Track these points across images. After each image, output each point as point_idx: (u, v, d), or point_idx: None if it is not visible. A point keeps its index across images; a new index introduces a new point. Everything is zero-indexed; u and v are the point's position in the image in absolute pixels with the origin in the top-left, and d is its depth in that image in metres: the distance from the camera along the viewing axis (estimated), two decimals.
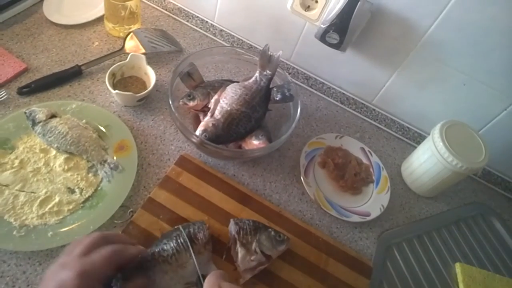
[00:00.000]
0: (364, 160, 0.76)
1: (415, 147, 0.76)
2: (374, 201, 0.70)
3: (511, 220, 0.77)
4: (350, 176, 0.72)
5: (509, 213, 0.79)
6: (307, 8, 0.72)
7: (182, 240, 0.52)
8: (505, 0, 0.57)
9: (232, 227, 0.58)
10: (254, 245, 0.56)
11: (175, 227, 0.56)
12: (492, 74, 0.66)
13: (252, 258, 0.55)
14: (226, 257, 0.57)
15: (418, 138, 0.83)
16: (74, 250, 0.44)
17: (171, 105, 0.63)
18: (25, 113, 0.63)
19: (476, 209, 0.77)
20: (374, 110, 0.84)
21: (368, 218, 0.67)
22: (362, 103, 0.84)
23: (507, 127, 0.72)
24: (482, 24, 0.61)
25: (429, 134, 0.71)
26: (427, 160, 0.69)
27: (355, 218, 0.67)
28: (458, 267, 0.66)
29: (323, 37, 0.70)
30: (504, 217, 0.77)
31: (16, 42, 0.76)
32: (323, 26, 0.68)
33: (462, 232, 0.73)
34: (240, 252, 0.55)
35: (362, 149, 0.77)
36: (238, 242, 0.56)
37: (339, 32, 0.68)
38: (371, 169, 0.75)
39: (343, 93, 0.85)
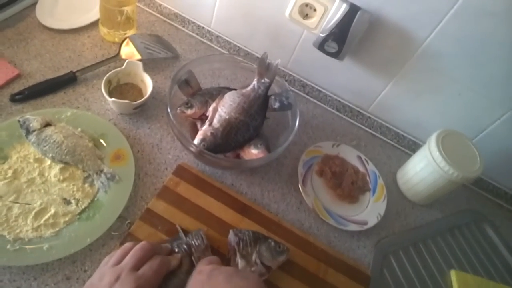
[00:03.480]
0: (361, 169, 0.77)
1: (410, 155, 0.77)
2: (371, 209, 0.71)
3: (503, 226, 0.79)
4: (347, 185, 0.73)
5: (501, 220, 0.80)
6: (306, 16, 0.73)
7: (185, 247, 0.54)
8: (502, 13, 0.58)
9: (231, 238, 0.58)
10: (254, 256, 0.56)
11: (172, 237, 0.57)
12: (487, 85, 0.68)
13: (253, 269, 0.54)
14: None
15: (413, 146, 0.84)
16: (126, 262, 0.47)
17: (170, 114, 0.62)
18: (19, 121, 0.61)
19: (469, 216, 0.78)
20: (369, 118, 0.85)
21: (365, 227, 0.68)
22: (358, 111, 0.85)
23: (500, 136, 0.73)
24: (479, 36, 0.62)
25: (424, 142, 0.72)
26: (423, 169, 0.70)
27: (353, 227, 0.67)
28: (453, 275, 0.67)
29: (321, 45, 0.70)
30: (496, 224, 0.79)
31: (8, 47, 0.74)
32: (322, 35, 0.69)
33: (456, 239, 0.74)
34: (240, 263, 0.55)
35: (359, 157, 0.78)
36: (238, 254, 0.55)
37: (338, 41, 0.68)
38: (367, 178, 0.76)
39: (339, 101, 0.85)
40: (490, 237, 0.76)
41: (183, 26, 0.90)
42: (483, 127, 0.74)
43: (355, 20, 0.65)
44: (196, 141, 0.64)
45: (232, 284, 0.44)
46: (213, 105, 0.68)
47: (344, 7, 0.65)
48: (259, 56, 0.69)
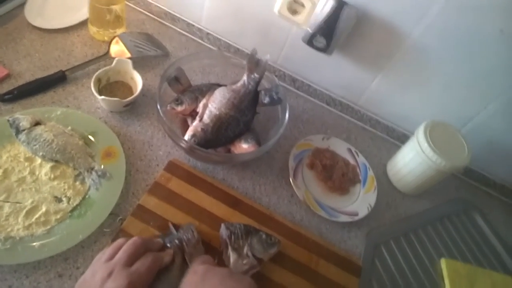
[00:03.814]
0: (351, 161, 0.78)
1: (400, 147, 0.78)
2: (361, 200, 0.72)
3: (491, 214, 0.80)
4: (338, 177, 0.73)
5: (490, 208, 0.82)
6: (294, 12, 0.73)
7: (177, 242, 0.54)
8: (487, 7, 0.59)
9: (223, 232, 0.58)
10: (245, 249, 0.56)
11: (163, 233, 0.57)
12: (473, 77, 0.69)
13: (244, 262, 0.55)
14: (217, 261, 0.57)
15: (403, 138, 0.85)
16: (118, 258, 0.47)
17: (160, 111, 0.63)
18: (8, 120, 0.61)
19: (459, 205, 0.80)
20: (359, 111, 0.85)
21: (356, 218, 0.69)
22: (348, 105, 0.86)
23: (487, 127, 0.74)
24: (465, 30, 0.63)
25: (413, 134, 0.73)
26: (412, 160, 0.71)
27: (344, 218, 0.68)
28: (443, 263, 0.69)
29: (310, 41, 0.71)
30: (485, 212, 0.80)
31: None
32: (311, 31, 0.69)
33: (446, 228, 0.75)
34: (232, 256, 0.55)
35: (349, 149, 0.79)
36: (229, 247, 0.56)
37: (325, 36, 0.69)
38: (358, 170, 0.77)
39: (329, 95, 0.86)
40: (479, 225, 0.78)
41: (173, 24, 0.90)
42: (471, 117, 0.75)
43: (342, 16, 0.66)
44: (186, 137, 0.64)
45: (226, 287, 0.45)
46: (203, 101, 0.69)
47: (331, 2, 0.66)
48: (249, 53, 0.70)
